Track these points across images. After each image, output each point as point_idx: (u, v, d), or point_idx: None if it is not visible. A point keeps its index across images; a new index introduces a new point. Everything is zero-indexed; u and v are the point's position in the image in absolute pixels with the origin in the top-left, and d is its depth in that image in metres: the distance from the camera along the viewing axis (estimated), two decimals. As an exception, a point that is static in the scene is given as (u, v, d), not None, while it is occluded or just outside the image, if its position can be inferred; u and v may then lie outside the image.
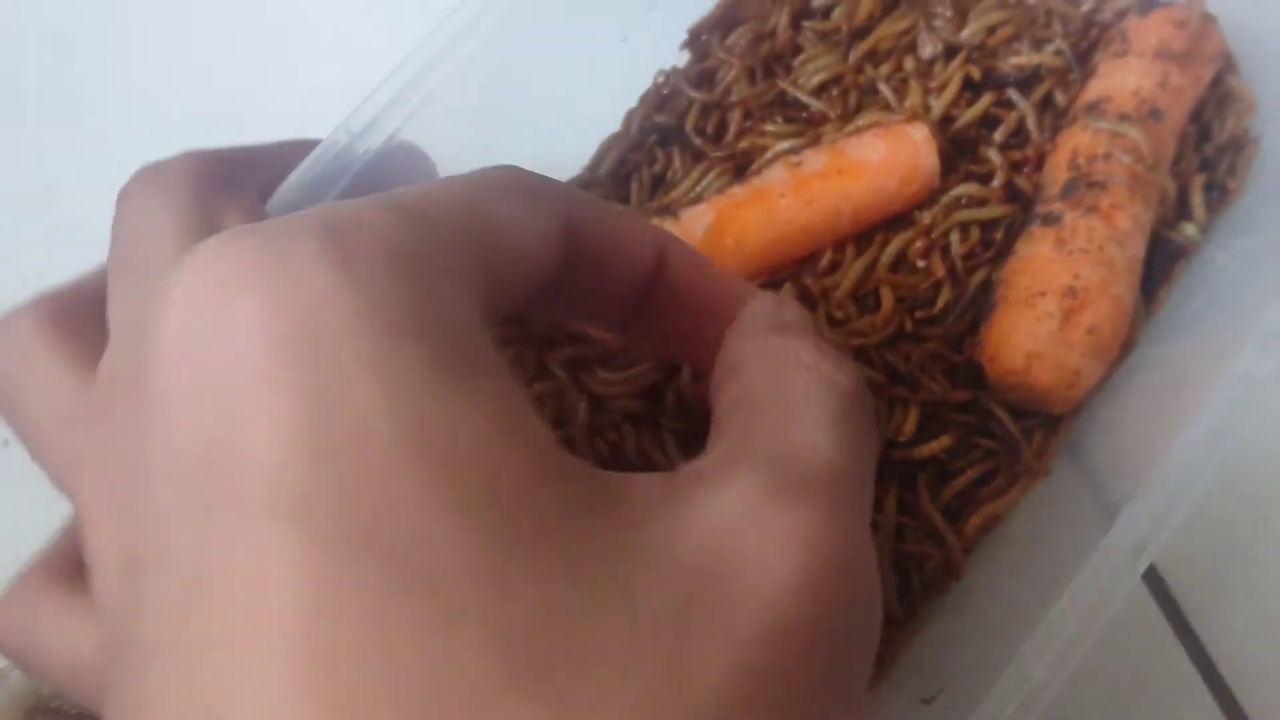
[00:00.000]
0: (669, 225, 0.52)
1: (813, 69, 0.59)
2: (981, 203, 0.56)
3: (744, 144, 0.57)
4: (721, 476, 0.25)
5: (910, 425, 0.52)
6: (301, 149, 0.49)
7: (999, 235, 0.56)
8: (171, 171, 0.44)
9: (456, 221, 0.26)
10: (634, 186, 0.58)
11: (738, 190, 0.53)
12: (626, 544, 0.22)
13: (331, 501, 0.21)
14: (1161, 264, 0.57)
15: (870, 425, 0.28)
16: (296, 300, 0.22)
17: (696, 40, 0.62)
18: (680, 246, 0.33)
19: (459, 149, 0.52)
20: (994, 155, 0.57)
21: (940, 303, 0.54)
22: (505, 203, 0.28)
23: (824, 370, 0.28)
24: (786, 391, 0.28)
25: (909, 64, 0.59)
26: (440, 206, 0.26)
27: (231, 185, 0.44)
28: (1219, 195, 0.58)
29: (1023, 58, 0.59)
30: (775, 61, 0.60)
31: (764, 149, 0.57)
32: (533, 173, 0.31)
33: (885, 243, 0.54)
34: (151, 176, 0.44)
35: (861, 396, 0.28)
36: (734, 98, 0.58)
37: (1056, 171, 0.56)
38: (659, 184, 0.58)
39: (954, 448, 0.52)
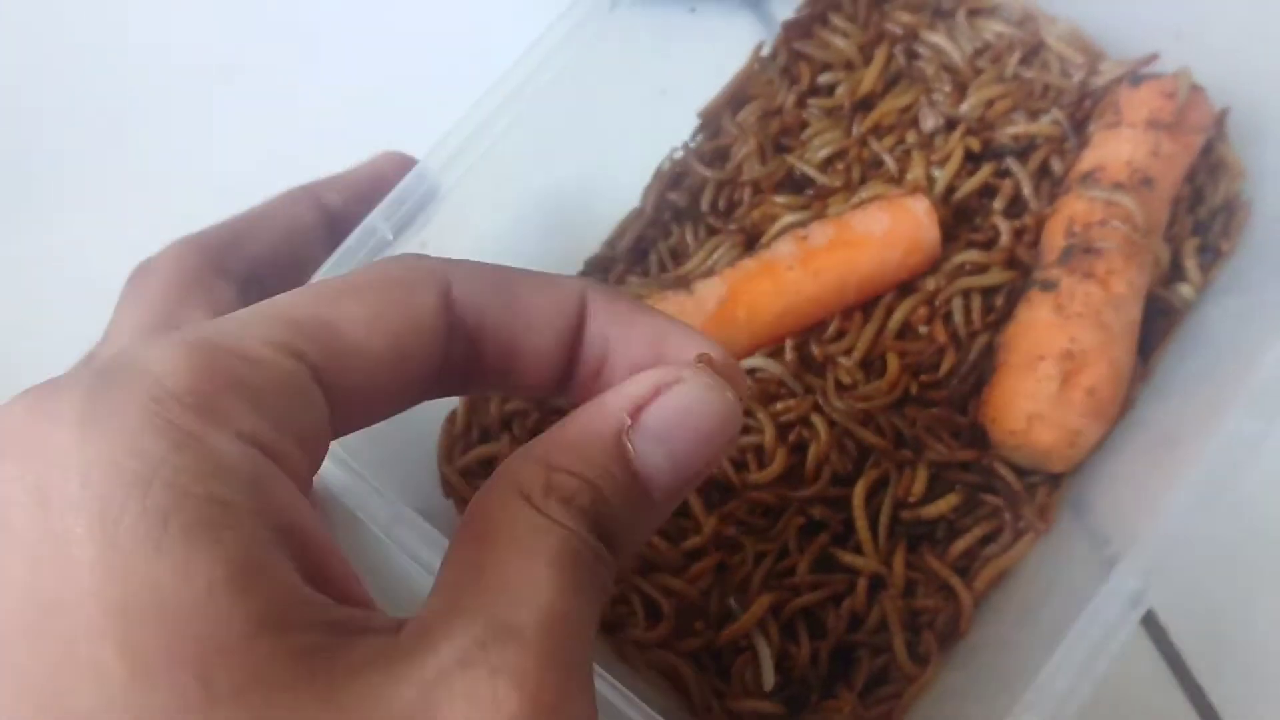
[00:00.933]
0: (682, 297, 0.55)
1: (819, 143, 0.62)
2: (983, 269, 0.58)
3: (755, 214, 0.60)
4: (439, 628, 0.25)
5: (919, 486, 0.54)
6: (293, 204, 0.54)
7: (1000, 301, 0.58)
8: (154, 271, 0.50)
9: (253, 350, 0.26)
10: (652, 260, 0.61)
11: (748, 263, 0.56)
12: (336, 697, 0.23)
13: (31, 668, 0.22)
14: (1158, 323, 0.59)
15: (597, 565, 0.28)
16: (40, 458, 0.23)
17: (710, 120, 0.65)
18: (607, 302, 0.33)
19: (487, 230, 0.55)
20: (1001, 223, 0.59)
21: (944, 367, 0.56)
22: (352, 303, 0.29)
23: (550, 510, 0.28)
24: (509, 535, 0.27)
25: (911, 137, 0.62)
26: (245, 332, 0.27)
27: (211, 272, 0.50)
28: (1212, 257, 0.61)
29: (1020, 128, 0.62)
30: (784, 136, 0.63)
31: (773, 218, 0.59)
32: (409, 258, 0.31)
33: (891, 310, 0.57)
34: (137, 276, 0.50)
35: (584, 542, 0.28)
36: (745, 176, 0.61)
37: (1054, 238, 0.58)
38: (675, 257, 0.61)
39: (960, 506, 0.54)
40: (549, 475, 0.28)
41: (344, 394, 0.28)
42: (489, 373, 0.32)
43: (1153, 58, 0.63)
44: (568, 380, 0.33)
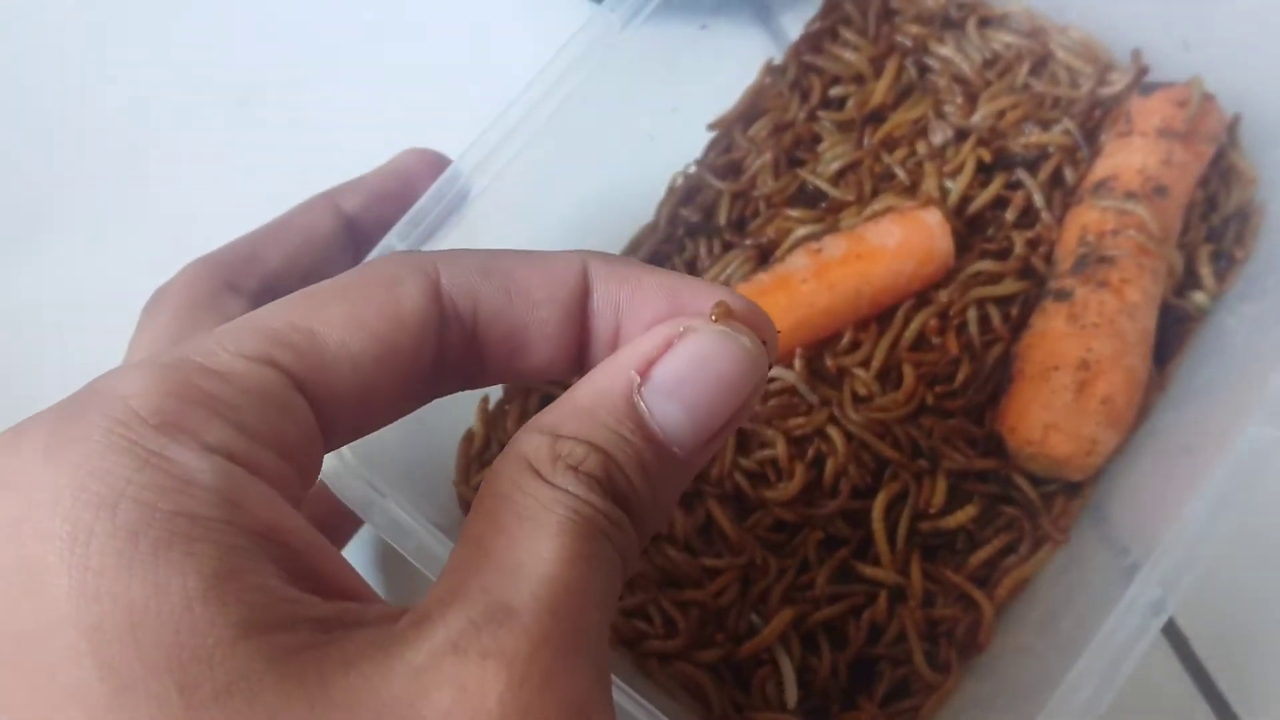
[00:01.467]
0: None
1: (831, 156, 0.63)
2: (996, 279, 0.59)
3: (769, 229, 0.60)
4: (437, 613, 0.25)
5: (939, 497, 0.54)
6: (309, 212, 0.54)
7: (1014, 311, 0.58)
8: (168, 294, 0.50)
9: (223, 363, 0.26)
10: (665, 275, 0.61)
11: (763, 277, 0.57)
12: (325, 692, 0.23)
13: (17, 699, 0.22)
14: (1173, 331, 0.59)
15: (615, 533, 0.27)
16: (11, 490, 0.24)
17: (722, 134, 0.65)
18: (610, 267, 0.32)
19: (506, 241, 0.55)
20: (1016, 236, 0.59)
21: (960, 377, 0.56)
22: (334, 306, 0.29)
23: (557, 480, 0.27)
24: (517, 510, 0.27)
25: (922, 148, 0.62)
26: (219, 346, 0.27)
27: (224, 290, 0.50)
28: (1226, 264, 0.61)
29: (1031, 138, 0.62)
30: (796, 149, 0.64)
31: (787, 232, 0.60)
32: (395, 255, 0.31)
33: (907, 321, 0.57)
34: (152, 302, 0.51)
35: (597, 509, 0.27)
36: (759, 190, 0.61)
37: (1067, 248, 0.59)
38: (689, 271, 0.61)
39: (979, 517, 0.54)
40: (555, 444, 0.28)
41: (332, 397, 0.28)
42: (495, 359, 0.32)
43: (1137, 54, 0.63)
44: (583, 355, 0.32)
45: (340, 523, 0.54)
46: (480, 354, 0.31)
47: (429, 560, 0.43)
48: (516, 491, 0.27)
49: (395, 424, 0.42)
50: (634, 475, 0.28)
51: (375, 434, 0.44)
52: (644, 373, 0.29)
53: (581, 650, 0.26)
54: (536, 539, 0.26)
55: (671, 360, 0.29)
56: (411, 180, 0.53)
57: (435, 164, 0.55)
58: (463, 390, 0.32)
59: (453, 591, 0.25)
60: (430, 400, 0.32)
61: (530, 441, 0.28)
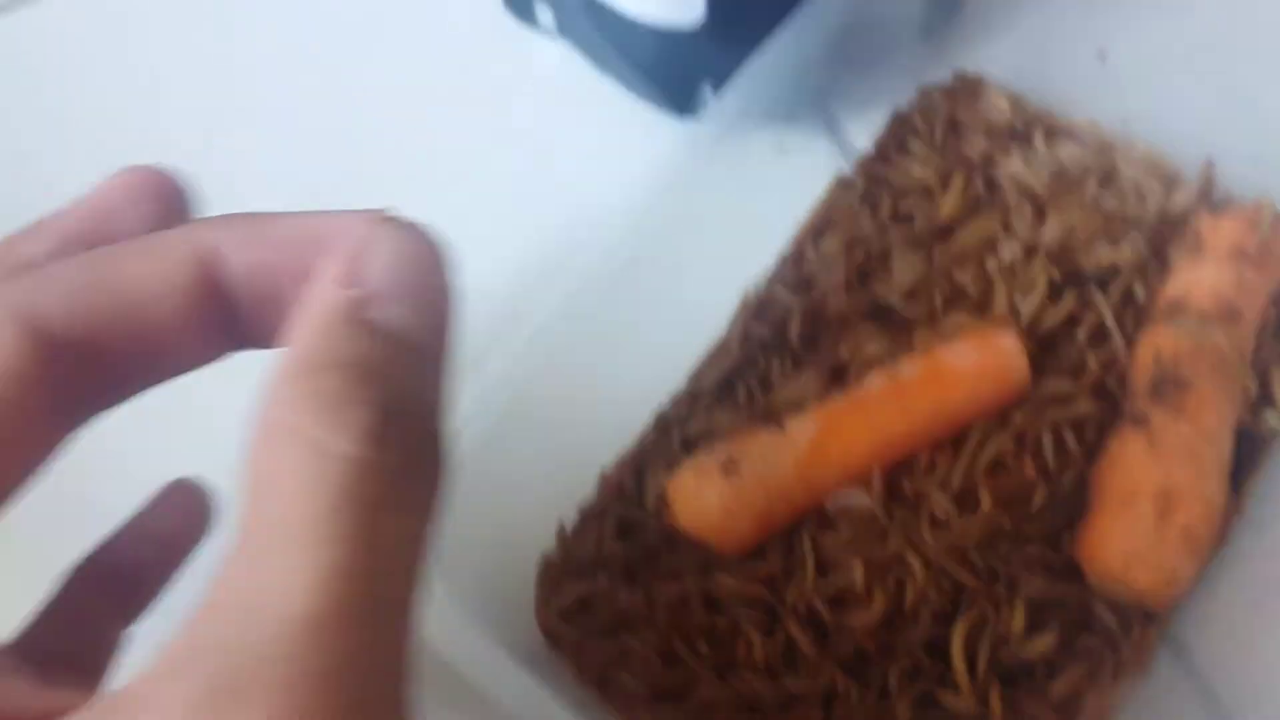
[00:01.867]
0: (774, 435, 0.56)
1: (901, 272, 0.63)
2: (1070, 399, 0.59)
3: (841, 348, 0.61)
4: (147, 695, 0.19)
5: (1019, 623, 0.54)
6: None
7: (1089, 433, 0.58)
8: None
9: None
10: (740, 391, 0.61)
11: (838, 400, 0.57)
12: None
13: None
14: (1247, 453, 0.59)
15: (413, 469, 0.23)
16: None
17: (794, 246, 0.66)
18: (231, 232, 0.28)
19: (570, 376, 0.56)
20: (1090, 359, 0.60)
21: (1036, 501, 0.56)
22: None
23: (328, 424, 0.22)
24: (275, 499, 0.21)
25: (991, 263, 0.63)
26: None
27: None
28: (1299, 385, 0.61)
29: (1101, 255, 0.62)
30: (867, 263, 0.64)
31: (859, 350, 0.60)
32: None
33: (981, 444, 0.57)
34: None
35: (384, 440, 0.22)
36: (831, 308, 0.62)
37: (1142, 370, 0.59)
38: (763, 387, 0.61)
39: (1058, 645, 0.54)
40: (313, 382, 0.23)
41: None
42: (130, 369, 0.28)
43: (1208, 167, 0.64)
44: (238, 335, 0.29)
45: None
46: (113, 371, 0.28)
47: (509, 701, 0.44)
48: (278, 468, 0.22)
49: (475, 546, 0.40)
50: (401, 394, 0.24)
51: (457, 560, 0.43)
52: (351, 286, 0.25)
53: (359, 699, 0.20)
54: (298, 538, 0.21)
55: (373, 269, 0.25)
56: (114, 216, 0.36)
57: (153, 188, 0.36)
58: (107, 408, 0.29)
59: (168, 667, 0.20)
60: (71, 431, 0.29)
61: (279, 397, 0.23)
